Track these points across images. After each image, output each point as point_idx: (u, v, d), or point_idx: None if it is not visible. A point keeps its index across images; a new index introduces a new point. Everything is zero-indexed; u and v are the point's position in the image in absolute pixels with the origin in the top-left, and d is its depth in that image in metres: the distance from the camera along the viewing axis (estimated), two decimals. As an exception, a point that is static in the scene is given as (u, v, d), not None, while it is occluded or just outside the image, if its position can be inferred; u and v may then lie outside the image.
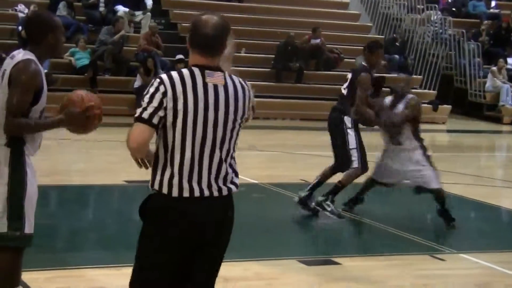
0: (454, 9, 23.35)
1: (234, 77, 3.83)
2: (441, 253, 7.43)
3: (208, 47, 3.71)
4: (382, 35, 21.87)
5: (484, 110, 20.55)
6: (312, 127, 17.10)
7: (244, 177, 10.41)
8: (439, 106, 19.44)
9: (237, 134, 3.83)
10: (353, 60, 19.18)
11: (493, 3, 24.12)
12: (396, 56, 20.44)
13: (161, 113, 3.67)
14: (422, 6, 22.13)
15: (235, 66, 19.28)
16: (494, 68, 20.43)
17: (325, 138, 15.76)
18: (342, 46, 20.07)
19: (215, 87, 3.72)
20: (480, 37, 21.70)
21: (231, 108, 3.75)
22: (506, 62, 20.81)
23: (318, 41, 19.24)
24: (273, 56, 18.71)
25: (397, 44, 20.86)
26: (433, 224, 8.69)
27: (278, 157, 12.79)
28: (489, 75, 20.43)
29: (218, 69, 3.74)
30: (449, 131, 18.88)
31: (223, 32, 3.74)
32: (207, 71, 3.70)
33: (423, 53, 21.13)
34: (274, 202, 9.34)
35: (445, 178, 11.48)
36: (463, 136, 18.39)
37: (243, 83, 3.85)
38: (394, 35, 21.33)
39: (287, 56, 18.61)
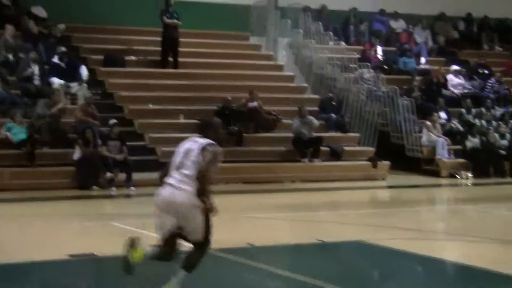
0: (385, 66, 23.85)
1: None
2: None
3: None
4: (317, 95, 22.19)
5: (422, 165, 20.84)
6: (255, 189, 17.14)
7: (188, 243, 10.33)
8: (378, 162, 19.68)
9: None
10: (291, 121, 19.39)
11: (422, 60, 24.72)
12: (333, 115, 20.73)
13: None
14: (355, 65, 22.56)
15: (175, 133, 19.24)
16: (429, 123, 20.83)
17: (268, 200, 15.87)
18: (279, 108, 20.28)
19: None
20: (413, 93, 22.16)
21: None
22: (439, 116, 21.28)
23: (255, 103, 19.41)
24: (212, 121, 18.76)
25: (333, 103, 21.15)
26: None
27: (222, 221, 12.71)
28: (424, 130, 20.79)
29: None
30: (389, 186, 19.09)
31: None
32: None
33: (359, 110, 21.47)
34: (220, 268, 9.27)
35: (387, 233, 11.63)
36: (403, 191, 18.61)
37: None
38: (330, 94, 21.65)
39: (225, 120, 18.72)
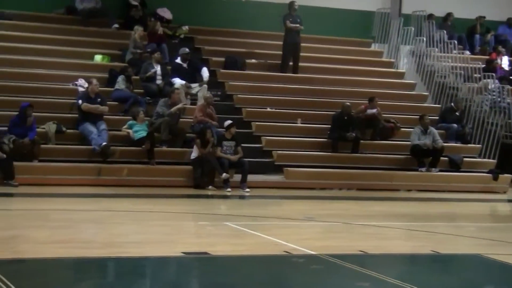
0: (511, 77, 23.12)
1: None
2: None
3: None
4: (438, 104, 21.73)
5: (546, 179, 20.13)
6: (369, 196, 16.94)
7: (301, 248, 10.28)
8: (499, 175, 19.11)
9: None
10: (411, 129, 19.07)
11: (552, 71, 23.84)
12: (454, 125, 20.23)
13: None
14: (479, 75, 21.97)
15: (291, 137, 19.37)
16: (555, 137, 20.11)
17: (382, 208, 15.64)
18: (398, 116, 19.97)
19: None
20: (540, 106, 21.39)
21: None
22: None
23: (374, 110, 19.17)
24: (329, 126, 18.69)
25: (456, 113, 20.59)
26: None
27: (336, 228, 12.63)
28: (550, 144, 20.10)
29: None
30: (510, 200, 18.53)
31: None
32: None
33: (481, 122, 20.90)
34: (332, 274, 9.17)
35: (507, 248, 11.23)
36: (524, 205, 18.03)
37: None
38: (452, 104, 21.15)
39: (343, 126, 18.57)
